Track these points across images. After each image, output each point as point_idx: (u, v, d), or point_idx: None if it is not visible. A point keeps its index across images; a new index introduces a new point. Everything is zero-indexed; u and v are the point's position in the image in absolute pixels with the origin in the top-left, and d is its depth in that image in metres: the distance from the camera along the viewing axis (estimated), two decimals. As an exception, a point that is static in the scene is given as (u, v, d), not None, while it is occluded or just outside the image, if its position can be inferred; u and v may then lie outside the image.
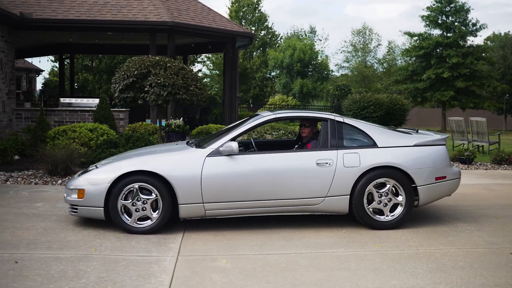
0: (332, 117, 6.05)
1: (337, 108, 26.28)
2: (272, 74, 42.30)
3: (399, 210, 5.78)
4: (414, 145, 5.92)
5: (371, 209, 5.76)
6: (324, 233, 5.68)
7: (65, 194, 5.96)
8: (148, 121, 14.19)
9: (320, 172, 5.69)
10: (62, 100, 14.59)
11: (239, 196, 5.64)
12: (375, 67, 46.20)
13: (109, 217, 5.65)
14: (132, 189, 5.60)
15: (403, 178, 5.75)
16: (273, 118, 6.16)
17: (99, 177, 5.70)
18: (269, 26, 43.55)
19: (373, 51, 46.94)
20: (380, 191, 5.76)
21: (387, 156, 5.77)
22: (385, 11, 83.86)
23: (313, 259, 4.77)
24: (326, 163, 5.71)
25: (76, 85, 37.84)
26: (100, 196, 5.59)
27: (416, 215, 6.46)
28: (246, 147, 6.46)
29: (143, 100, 10.34)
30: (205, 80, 45.15)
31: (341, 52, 61.15)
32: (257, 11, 42.51)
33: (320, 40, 61.23)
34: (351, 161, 5.72)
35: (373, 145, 5.85)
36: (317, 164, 5.70)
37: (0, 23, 12.55)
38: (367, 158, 5.74)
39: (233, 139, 5.81)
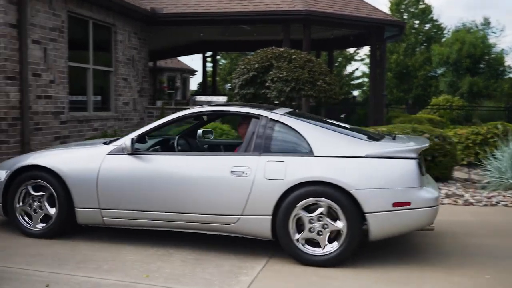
0: (266, 113, 4.87)
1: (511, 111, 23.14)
2: (437, 72, 39.24)
3: (336, 243, 4.42)
4: (366, 156, 4.44)
5: (299, 238, 4.48)
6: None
7: None
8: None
9: (234, 183, 4.58)
10: (193, 98, 14.41)
11: (139, 204, 4.85)
12: None
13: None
14: (29, 186, 5.20)
15: (344, 199, 4.35)
16: (191, 113, 5.24)
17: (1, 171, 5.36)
18: (434, 18, 40.54)
19: None
20: (312, 214, 4.44)
21: (321, 168, 4.44)
22: None
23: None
24: (242, 171, 4.58)
25: (229, 86, 38.80)
26: None
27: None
28: (170, 146, 5.59)
29: (264, 96, 9.47)
30: (363, 79, 43.52)
31: (523, 46, 55.02)
32: (420, 3, 39.79)
33: (494, 33, 55.71)
34: (275, 172, 4.50)
35: (309, 152, 4.55)
36: (232, 172, 4.61)
37: (132, 19, 12.65)
38: (296, 170, 4.47)
39: (141, 136, 5.06)
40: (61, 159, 5.16)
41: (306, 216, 4.46)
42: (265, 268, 4.41)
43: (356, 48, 36.54)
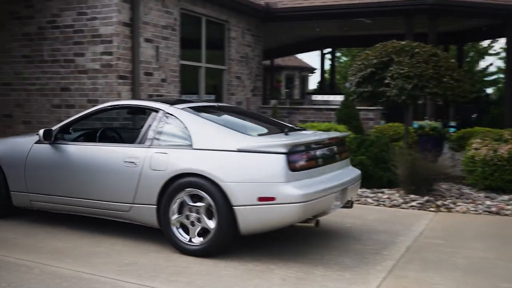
0: (164, 107, 5.21)
1: None
2: None
3: (209, 234, 4.62)
4: (238, 150, 4.60)
5: (175, 220, 4.76)
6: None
7: None
8: (416, 123, 12.43)
9: (126, 173, 5.00)
10: (308, 97, 14.03)
11: (54, 189, 5.46)
12: None
13: None
14: None
15: (215, 192, 4.55)
16: (103, 108, 5.71)
17: None
18: None
19: None
20: (190, 205, 4.70)
21: (196, 161, 4.71)
22: None
23: None
24: (133, 162, 4.99)
25: (348, 84, 37.93)
26: None
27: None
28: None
29: (383, 95, 8.83)
30: (498, 75, 40.58)
31: None
32: None
33: None
34: (159, 164, 4.85)
35: (189, 145, 4.84)
36: (124, 163, 5.03)
37: (246, 15, 12.53)
38: (175, 161, 4.79)
39: (63, 127, 5.66)
40: (2, 147, 6.00)
41: (187, 205, 4.71)
42: (386, 283, 3.93)
43: (490, 40, 34.07)
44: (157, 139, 5.03)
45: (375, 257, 4.73)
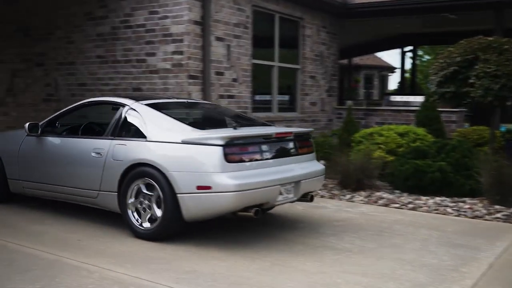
0: (129, 102, 5.78)
1: None
2: None
3: (155, 222, 5.16)
4: (182, 142, 5.07)
5: (130, 202, 5.34)
6: None
7: None
8: (503, 127, 11.71)
9: (93, 162, 5.62)
10: (386, 98, 13.56)
11: (40, 177, 6.17)
12: None
13: None
14: None
15: (162, 180, 5.05)
16: (83, 103, 6.40)
17: None
18: None
19: None
20: (144, 192, 5.23)
21: (147, 152, 5.23)
22: None
23: None
24: (99, 153, 5.61)
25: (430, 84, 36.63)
26: None
27: None
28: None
29: (466, 96, 8.31)
30: None
31: None
32: None
33: None
34: (119, 154, 5.44)
35: (144, 137, 5.36)
36: (92, 153, 5.65)
37: (321, 11, 12.26)
38: (132, 152, 5.35)
39: (49, 121, 6.38)
40: (2, 138, 6.95)
41: (142, 193, 5.23)
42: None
43: None
44: (120, 131, 5.60)
45: (452, 274, 4.37)
